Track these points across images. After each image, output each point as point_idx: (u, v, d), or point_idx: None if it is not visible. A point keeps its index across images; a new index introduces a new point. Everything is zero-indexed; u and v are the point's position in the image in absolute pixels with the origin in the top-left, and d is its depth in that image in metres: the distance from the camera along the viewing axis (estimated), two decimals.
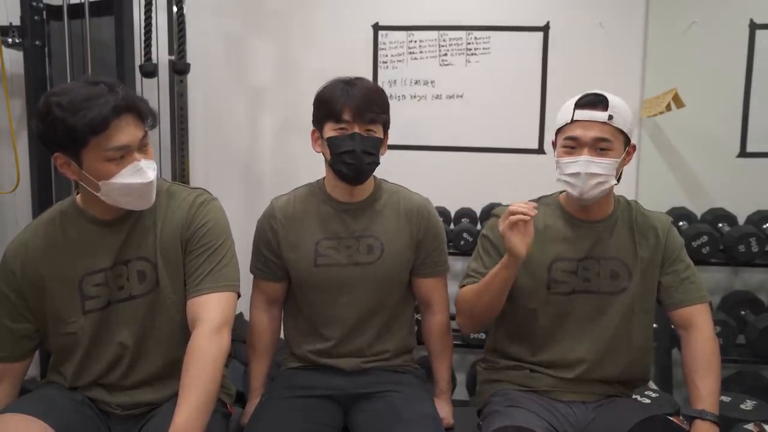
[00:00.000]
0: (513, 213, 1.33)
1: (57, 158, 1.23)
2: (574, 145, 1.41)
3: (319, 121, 1.53)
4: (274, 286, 1.61)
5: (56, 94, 1.19)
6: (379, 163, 1.52)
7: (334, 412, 1.50)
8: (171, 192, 1.40)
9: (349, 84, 1.50)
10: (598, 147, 1.39)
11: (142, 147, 1.26)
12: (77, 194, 1.36)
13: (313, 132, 1.56)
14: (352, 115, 1.46)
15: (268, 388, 1.61)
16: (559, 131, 1.45)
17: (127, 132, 1.21)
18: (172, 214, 1.36)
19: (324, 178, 1.61)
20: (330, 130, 1.49)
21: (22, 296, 1.34)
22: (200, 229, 1.35)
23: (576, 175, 1.39)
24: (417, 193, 1.65)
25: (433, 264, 1.61)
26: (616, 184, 1.44)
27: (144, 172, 1.24)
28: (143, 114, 1.25)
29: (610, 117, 1.38)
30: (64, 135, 1.17)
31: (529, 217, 1.32)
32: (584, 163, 1.38)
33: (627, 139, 1.42)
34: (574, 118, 1.41)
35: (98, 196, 1.25)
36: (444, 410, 1.61)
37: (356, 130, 1.47)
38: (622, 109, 1.40)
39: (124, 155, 1.22)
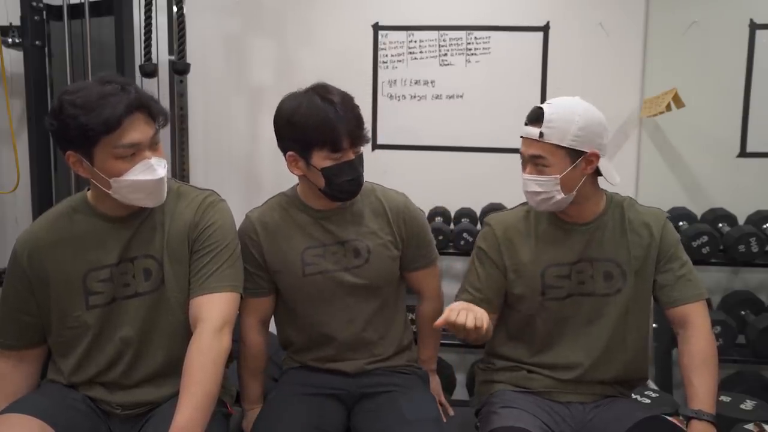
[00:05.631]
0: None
1: (69, 156, 1.25)
2: (522, 160, 1.43)
3: (304, 147, 1.39)
4: (264, 301, 1.55)
5: (70, 92, 1.22)
6: None
7: (338, 412, 1.50)
8: (180, 192, 1.41)
9: (328, 102, 1.37)
10: (536, 164, 1.39)
11: (152, 145, 1.28)
12: (88, 190, 1.38)
13: (290, 156, 1.43)
14: (350, 142, 1.39)
15: (273, 389, 1.59)
16: None
17: (138, 130, 1.23)
18: (180, 213, 1.37)
19: (297, 187, 1.55)
20: (323, 159, 1.38)
21: (29, 288, 1.35)
22: (207, 229, 1.36)
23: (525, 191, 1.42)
24: (392, 189, 1.61)
25: (422, 257, 1.60)
26: (562, 197, 1.37)
27: (154, 169, 1.26)
28: (154, 113, 1.27)
29: (541, 134, 1.36)
30: (76, 133, 1.19)
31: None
32: (524, 181, 1.42)
33: (574, 152, 1.35)
34: (520, 134, 1.42)
35: (110, 193, 1.27)
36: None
37: (351, 155, 1.41)
38: (560, 122, 1.34)
39: (134, 153, 1.24)
